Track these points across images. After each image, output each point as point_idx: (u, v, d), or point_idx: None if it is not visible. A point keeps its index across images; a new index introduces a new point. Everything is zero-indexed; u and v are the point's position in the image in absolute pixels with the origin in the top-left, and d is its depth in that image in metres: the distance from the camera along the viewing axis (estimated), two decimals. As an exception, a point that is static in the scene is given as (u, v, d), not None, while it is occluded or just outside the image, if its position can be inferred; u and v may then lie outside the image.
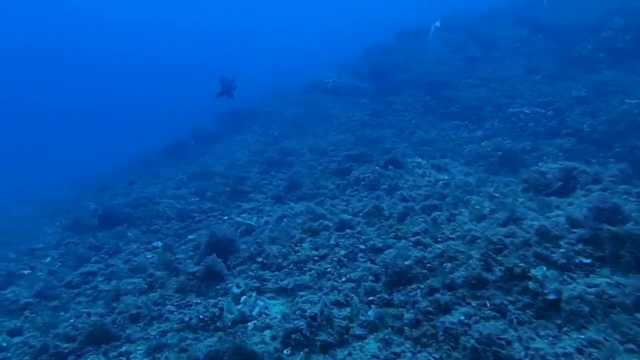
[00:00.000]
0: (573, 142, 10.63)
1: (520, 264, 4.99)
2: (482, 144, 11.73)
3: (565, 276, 4.71)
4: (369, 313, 5.13)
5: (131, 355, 5.22)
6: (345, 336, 4.85)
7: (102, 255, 8.24)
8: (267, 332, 5.18)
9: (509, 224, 6.14)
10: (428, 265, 5.73)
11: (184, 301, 6.15)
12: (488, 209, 6.74)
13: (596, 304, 4.17)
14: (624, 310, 4.03)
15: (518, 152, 10.56)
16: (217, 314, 5.66)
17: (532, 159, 10.35)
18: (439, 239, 6.34)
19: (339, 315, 5.19)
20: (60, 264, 8.27)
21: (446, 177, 8.70)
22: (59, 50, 62.14)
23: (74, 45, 63.17)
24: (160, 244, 8.40)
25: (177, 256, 7.53)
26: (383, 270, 5.74)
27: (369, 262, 6.23)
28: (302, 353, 4.65)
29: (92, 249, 8.86)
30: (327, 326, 4.93)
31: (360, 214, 7.80)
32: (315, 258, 6.66)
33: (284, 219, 8.20)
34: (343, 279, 6.00)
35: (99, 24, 65.77)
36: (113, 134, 40.42)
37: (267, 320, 5.43)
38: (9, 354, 5.58)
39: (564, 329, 4.16)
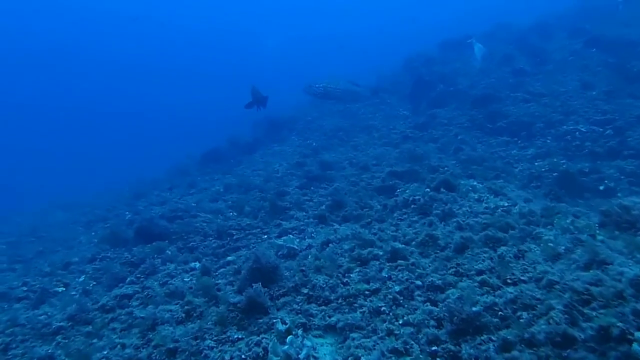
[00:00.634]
0: (636, 165, 9.71)
1: (618, 324, 4.26)
2: (536, 163, 10.92)
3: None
4: (436, 369, 4.51)
5: (169, 399, 4.78)
6: (410, 396, 4.26)
7: (138, 275, 7.91)
8: (317, 382, 4.65)
9: (591, 267, 5.37)
10: (500, 313, 5.04)
11: (224, 335, 5.66)
12: (563, 247, 5.98)
13: None
14: None
15: (576, 173, 9.68)
16: (261, 354, 5.15)
17: (592, 181, 9.53)
18: (509, 281, 5.62)
19: (400, 367, 4.58)
20: (94, 282, 8.00)
21: (506, 204, 7.94)
22: (110, 56, 64.54)
23: (124, 51, 65.50)
24: (198, 264, 8.01)
25: (216, 281, 7.09)
26: (447, 315, 5.10)
27: (429, 304, 5.57)
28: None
29: (127, 265, 8.58)
30: (388, 383, 4.34)
31: (413, 243, 7.15)
32: (367, 292, 6.07)
33: (329, 244, 7.64)
34: (400, 322, 5.38)
35: (144, 31, 67.90)
36: (157, 137, 41.30)
37: (317, 365, 4.88)
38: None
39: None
